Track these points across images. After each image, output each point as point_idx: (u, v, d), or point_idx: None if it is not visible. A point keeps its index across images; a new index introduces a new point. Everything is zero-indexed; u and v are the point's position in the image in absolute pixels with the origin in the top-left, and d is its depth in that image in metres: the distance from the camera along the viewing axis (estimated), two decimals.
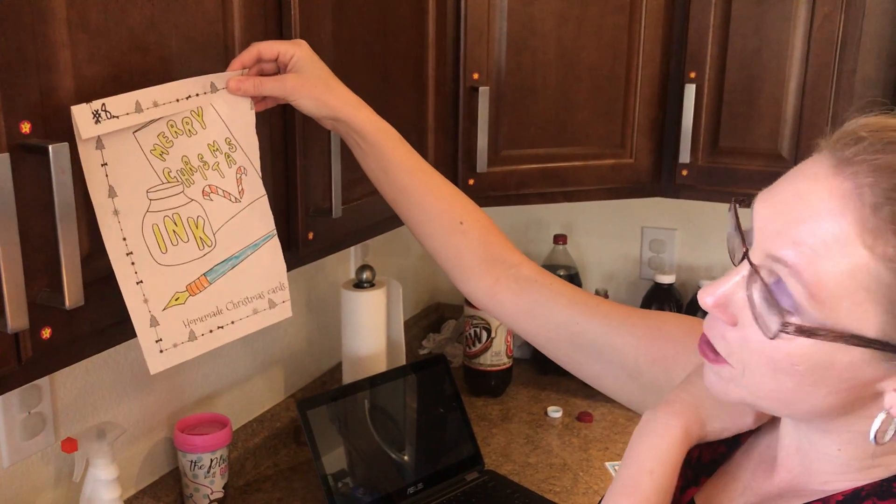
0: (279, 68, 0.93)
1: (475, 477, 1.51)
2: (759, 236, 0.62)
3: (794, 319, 0.59)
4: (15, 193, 0.65)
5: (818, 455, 0.67)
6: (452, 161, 1.42)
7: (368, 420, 1.45)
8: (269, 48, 0.91)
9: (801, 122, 1.47)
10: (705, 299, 0.64)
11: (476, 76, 1.39)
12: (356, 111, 0.94)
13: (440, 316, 2.18)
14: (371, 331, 1.59)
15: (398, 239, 1.91)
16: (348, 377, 1.61)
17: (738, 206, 0.66)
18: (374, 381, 1.48)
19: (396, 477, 1.44)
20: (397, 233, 1.30)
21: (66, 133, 0.71)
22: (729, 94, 1.51)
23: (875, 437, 0.61)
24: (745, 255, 0.62)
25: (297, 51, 0.91)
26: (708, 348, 0.66)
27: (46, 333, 0.72)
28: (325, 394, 1.42)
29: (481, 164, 1.41)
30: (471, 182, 1.43)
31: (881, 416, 0.61)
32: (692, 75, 1.52)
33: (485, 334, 1.82)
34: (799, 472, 0.69)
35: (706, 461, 0.77)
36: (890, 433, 0.61)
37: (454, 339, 2.08)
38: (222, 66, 0.88)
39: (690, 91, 1.51)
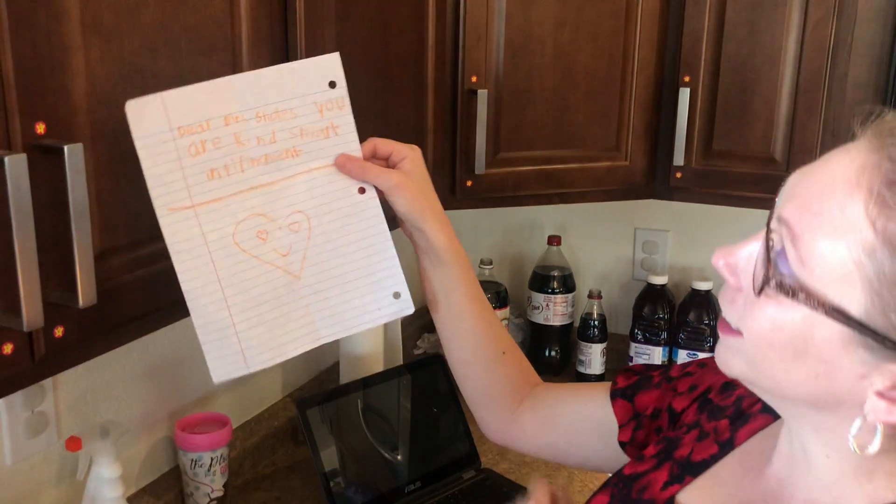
0: (388, 166, 0.92)
1: (472, 475, 1.53)
2: (780, 202, 0.62)
3: (778, 276, 0.59)
4: (30, 193, 0.66)
5: (808, 463, 0.66)
6: (451, 162, 1.43)
7: (366, 419, 1.46)
8: (385, 146, 0.90)
9: (794, 125, 1.49)
10: (717, 261, 0.64)
11: (474, 79, 1.41)
12: (440, 230, 0.92)
13: None
14: (368, 331, 1.58)
15: (393, 239, 1.92)
16: (346, 376, 1.62)
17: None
18: (372, 381, 1.49)
19: (394, 475, 1.45)
20: (392, 233, 1.31)
21: (81, 133, 0.72)
22: (723, 97, 1.53)
23: (854, 444, 0.59)
24: (768, 221, 0.62)
25: (409, 154, 0.91)
26: (722, 323, 0.66)
27: (59, 332, 0.72)
28: (323, 393, 1.43)
29: (479, 165, 1.43)
30: (468, 183, 1.45)
31: (858, 422, 0.59)
32: (686, 79, 1.54)
33: None
34: (786, 481, 0.69)
35: (696, 460, 0.77)
36: (874, 445, 0.59)
37: None
38: (230, 67, 0.89)
39: (685, 94, 1.53)
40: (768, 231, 0.61)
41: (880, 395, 0.58)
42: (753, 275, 0.61)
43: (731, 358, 0.66)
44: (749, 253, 0.63)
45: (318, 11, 1.01)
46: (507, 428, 1.00)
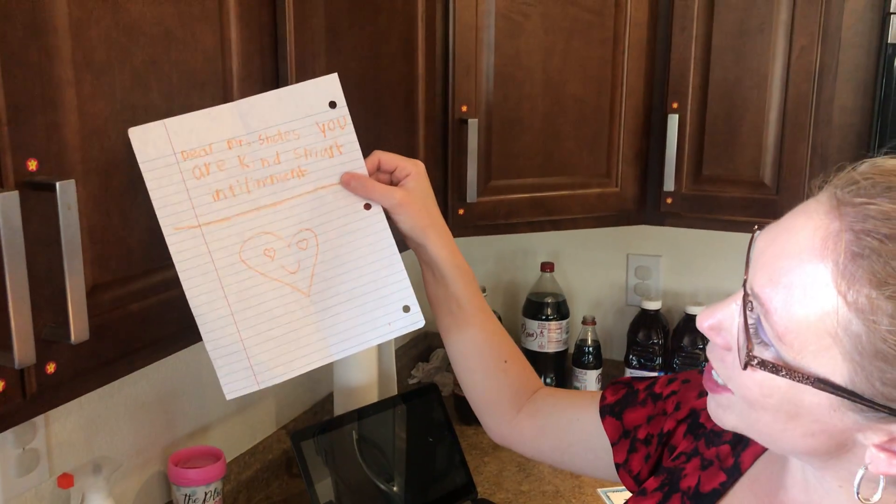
0: (392, 181, 0.94)
1: None
2: (752, 267, 0.63)
3: (761, 352, 0.60)
4: (22, 230, 0.66)
5: (822, 490, 0.67)
6: (443, 191, 1.44)
7: (361, 450, 1.45)
8: (389, 160, 0.93)
9: (783, 149, 1.51)
10: (702, 323, 0.65)
11: (465, 108, 1.42)
12: (442, 245, 0.95)
13: (429, 345, 2.19)
14: (362, 361, 1.60)
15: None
16: (340, 408, 1.61)
17: (757, 231, 0.66)
18: (367, 412, 1.49)
19: None
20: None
21: (73, 169, 0.72)
22: (711, 123, 1.55)
23: (858, 492, 0.60)
24: (744, 283, 0.63)
25: (413, 169, 0.93)
26: (709, 378, 0.68)
27: (51, 368, 0.72)
28: (318, 425, 1.42)
29: (471, 194, 1.43)
30: (461, 212, 1.45)
31: (861, 472, 0.60)
32: (675, 105, 1.56)
33: None
34: None
35: (706, 491, 0.77)
36: (877, 495, 0.60)
37: (443, 369, 2.08)
38: (221, 102, 0.90)
39: (673, 121, 1.54)
40: (745, 296, 0.62)
41: (880, 447, 0.59)
42: (738, 343, 0.62)
43: (724, 414, 0.67)
44: (731, 313, 0.64)
45: (309, 45, 1.02)
46: (508, 432, 1.02)
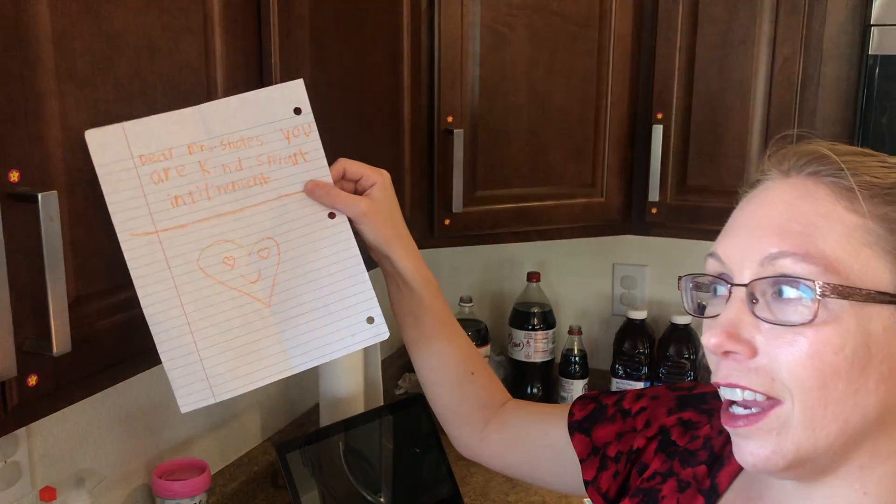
0: (356, 190, 0.93)
1: None
2: (735, 264, 0.63)
3: (826, 289, 0.58)
4: (4, 241, 0.66)
5: None
6: (428, 201, 1.44)
7: (347, 462, 1.45)
8: (354, 168, 0.92)
9: None
10: (711, 340, 0.61)
11: (450, 119, 1.42)
12: (407, 256, 0.94)
13: None
14: (348, 371, 1.59)
15: (372, 280, 1.92)
16: (326, 419, 1.60)
17: (692, 281, 0.69)
18: (353, 423, 1.48)
19: None
20: (371, 273, 1.32)
21: (55, 180, 0.72)
22: (695, 134, 1.56)
23: None
24: (731, 288, 0.63)
25: (379, 179, 0.92)
26: (735, 418, 0.63)
27: (33, 381, 0.71)
28: (304, 436, 1.42)
29: (457, 204, 1.43)
30: (447, 222, 1.45)
31: None
32: (659, 116, 1.57)
33: None
34: None
35: None
36: None
37: None
38: None
39: (658, 131, 1.55)
40: (750, 284, 0.61)
41: None
42: (777, 322, 0.59)
43: (781, 441, 0.61)
44: (737, 314, 0.61)
45: (294, 57, 1.02)
46: (476, 445, 1.01)
